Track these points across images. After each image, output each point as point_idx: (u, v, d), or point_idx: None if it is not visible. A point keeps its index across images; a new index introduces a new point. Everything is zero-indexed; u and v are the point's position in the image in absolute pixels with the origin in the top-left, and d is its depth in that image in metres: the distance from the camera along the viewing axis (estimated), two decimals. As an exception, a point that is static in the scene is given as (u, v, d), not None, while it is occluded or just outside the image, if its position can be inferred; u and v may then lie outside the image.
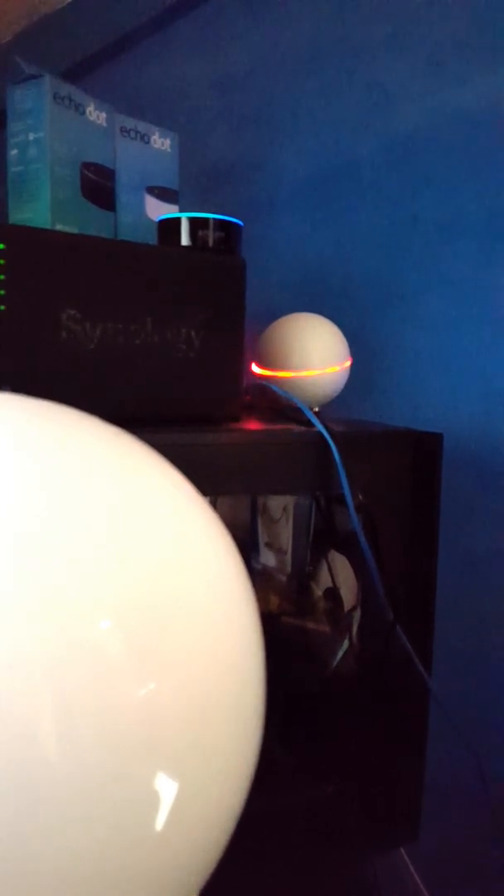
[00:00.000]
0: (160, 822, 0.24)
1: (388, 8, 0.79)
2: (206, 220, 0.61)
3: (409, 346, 0.82)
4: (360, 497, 0.58)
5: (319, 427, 0.56)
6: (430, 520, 0.61)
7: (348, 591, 0.70)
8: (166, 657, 0.25)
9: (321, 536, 0.74)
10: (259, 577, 0.78)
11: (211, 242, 0.61)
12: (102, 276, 0.51)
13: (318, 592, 0.74)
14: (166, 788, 0.24)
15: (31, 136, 0.64)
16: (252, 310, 0.59)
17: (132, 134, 0.73)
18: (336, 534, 0.72)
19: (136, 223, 0.74)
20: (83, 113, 0.67)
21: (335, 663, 0.70)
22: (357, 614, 0.67)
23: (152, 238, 0.67)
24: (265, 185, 0.90)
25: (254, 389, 0.68)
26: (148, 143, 0.74)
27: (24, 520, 0.25)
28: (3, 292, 0.47)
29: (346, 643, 0.70)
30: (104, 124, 0.70)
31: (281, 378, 0.67)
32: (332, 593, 0.72)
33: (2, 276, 0.46)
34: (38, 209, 0.65)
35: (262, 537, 0.78)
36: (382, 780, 0.63)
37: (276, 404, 0.67)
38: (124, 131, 0.72)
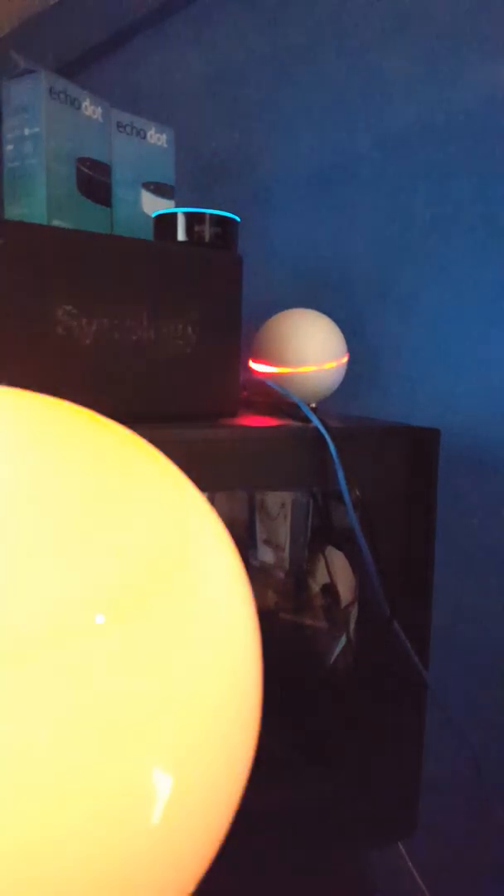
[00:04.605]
0: (155, 817, 0.24)
1: (385, 3, 0.79)
2: (203, 215, 0.61)
3: (406, 341, 0.82)
4: (358, 493, 0.58)
5: (316, 423, 0.56)
6: (427, 515, 0.61)
7: (345, 587, 0.70)
8: (161, 653, 0.25)
9: (318, 533, 0.74)
10: (256, 574, 0.78)
11: (207, 238, 0.61)
12: (98, 272, 0.51)
13: (316, 589, 0.74)
14: (161, 783, 0.24)
15: (27, 132, 0.64)
16: (249, 305, 0.59)
17: (128, 129, 0.73)
18: (333, 530, 0.72)
19: (132, 218, 0.73)
20: (79, 108, 0.67)
21: (332, 659, 0.70)
22: (354, 610, 0.67)
23: (148, 233, 0.67)
24: (262, 180, 0.89)
25: (251, 385, 0.68)
26: (144, 138, 0.74)
27: (19, 515, 0.25)
28: (-2, 288, 0.46)
29: (343, 639, 0.70)
30: (100, 119, 0.70)
31: (278, 374, 0.67)
32: (330, 589, 0.72)
33: (-3, 272, 0.46)
34: (34, 204, 0.64)
35: (260, 534, 0.78)
36: (380, 776, 0.63)
37: (273, 400, 0.67)
38: (120, 126, 0.72)
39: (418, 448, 0.61)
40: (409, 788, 0.65)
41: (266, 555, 0.77)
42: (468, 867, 0.77)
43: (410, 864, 0.66)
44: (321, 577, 0.73)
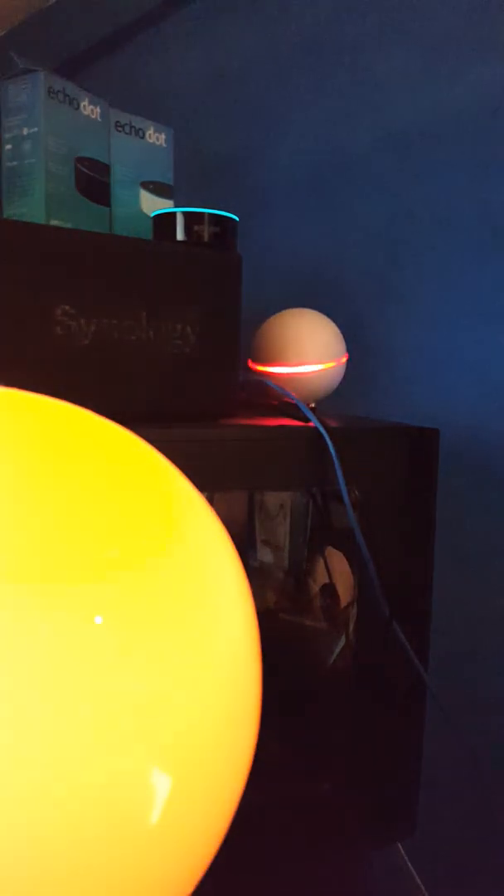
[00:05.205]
0: (154, 818, 0.24)
1: (383, 1, 0.79)
2: (202, 214, 0.61)
3: (405, 341, 0.82)
4: (357, 493, 0.58)
5: (316, 423, 0.56)
6: (426, 515, 0.61)
7: (345, 587, 0.70)
8: (161, 653, 0.25)
9: (318, 533, 0.74)
10: (256, 574, 0.77)
11: (206, 237, 0.61)
12: (97, 272, 0.51)
13: (315, 589, 0.74)
14: (160, 783, 0.24)
15: (26, 131, 0.64)
16: (248, 305, 0.59)
17: (127, 129, 0.72)
18: (332, 530, 0.72)
19: (130, 218, 0.73)
20: (78, 108, 0.67)
21: (332, 660, 0.70)
22: (354, 610, 0.67)
23: (147, 233, 0.67)
24: (261, 179, 0.89)
25: (250, 385, 0.68)
26: (143, 137, 0.74)
27: (16, 515, 0.25)
28: (-3, 287, 0.46)
29: (342, 639, 0.70)
30: (99, 119, 0.70)
31: (277, 374, 0.67)
32: (329, 590, 0.72)
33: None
34: (32, 204, 0.64)
35: (259, 534, 0.78)
36: (379, 776, 0.63)
37: (273, 400, 0.67)
38: (119, 126, 0.72)
39: (418, 448, 0.61)
40: (408, 788, 0.65)
41: (265, 555, 0.77)
42: (468, 867, 0.77)
43: (410, 864, 0.66)
44: (320, 578, 0.73)
